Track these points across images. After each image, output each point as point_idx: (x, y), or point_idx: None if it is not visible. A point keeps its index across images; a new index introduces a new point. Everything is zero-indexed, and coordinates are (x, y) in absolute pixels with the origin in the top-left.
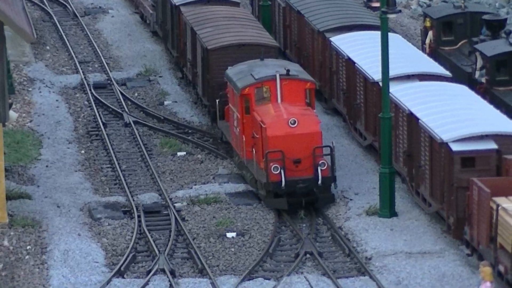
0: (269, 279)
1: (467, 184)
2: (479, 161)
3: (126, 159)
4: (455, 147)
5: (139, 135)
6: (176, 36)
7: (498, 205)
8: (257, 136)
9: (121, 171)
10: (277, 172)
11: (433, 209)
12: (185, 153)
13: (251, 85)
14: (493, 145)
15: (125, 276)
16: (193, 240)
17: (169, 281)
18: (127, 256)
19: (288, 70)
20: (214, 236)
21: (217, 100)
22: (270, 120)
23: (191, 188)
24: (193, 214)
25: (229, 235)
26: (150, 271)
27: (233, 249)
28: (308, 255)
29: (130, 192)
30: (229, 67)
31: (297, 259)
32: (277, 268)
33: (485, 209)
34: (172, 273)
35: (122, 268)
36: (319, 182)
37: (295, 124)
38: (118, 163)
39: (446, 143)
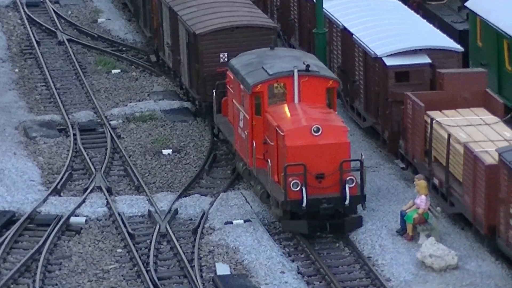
0: (205, 196)
1: (402, 98)
2: (413, 75)
3: (60, 78)
4: (389, 61)
5: (73, 53)
6: (148, 14)
7: (432, 119)
8: (272, 143)
9: (56, 90)
10: (297, 189)
11: (368, 123)
12: (119, 70)
13: (264, 81)
14: (426, 59)
15: (61, 194)
16: (129, 157)
17: (106, 198)
18: (63, 174)
19: (308, 65)
20: (150, 153)
21: (213, 91)
22: (289, 126)
23: (126, 105)
24: (129, 132)
25: (165, 152)
26: (86, 189)
27: (169, 166)
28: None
29: (65, 111)
30: (230, 58)
31: (233, 175)
32: (213, 185)
33: (420, 123)
34: (109, 190)
35: (58, 186)
36: (347, 202)
37: (319, 132)
38: (53, 82)
39: (380, 58)
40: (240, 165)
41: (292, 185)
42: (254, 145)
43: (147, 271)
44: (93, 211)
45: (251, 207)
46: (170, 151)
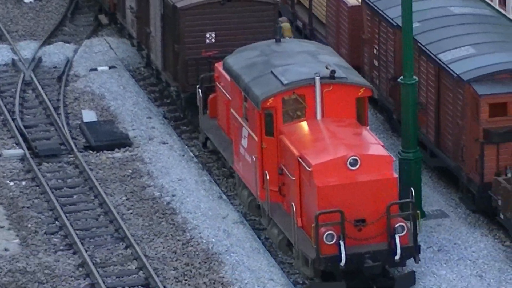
0: (69, 43)
1: None
2: None
3: None
4: None
5: None
6: None
7: None
8: (293, 178)
9: None
10: (333, 242)
11: None
12: None
13: (277, 94)
14: None
15: None
16: None
17: None
18: None
19: (333, 71)
20: (11, 1)
21: (198, 87)
22: (317, 159)
23: None
24: None
25: (26, 0)
26: None
27: (31, 14)
28: (109, 26)
29: None
30: (218, 38)
31: (96, 22)
32: (76, 32)
33: None
34: None
35: None
36: (397, 256)
37: (357, 166)
38: None
39: None
40: (245, 195)
41: (326, 237)
42: (268, 175)
43: (13, 120)
44: None
45: (115, 53)
46: None
